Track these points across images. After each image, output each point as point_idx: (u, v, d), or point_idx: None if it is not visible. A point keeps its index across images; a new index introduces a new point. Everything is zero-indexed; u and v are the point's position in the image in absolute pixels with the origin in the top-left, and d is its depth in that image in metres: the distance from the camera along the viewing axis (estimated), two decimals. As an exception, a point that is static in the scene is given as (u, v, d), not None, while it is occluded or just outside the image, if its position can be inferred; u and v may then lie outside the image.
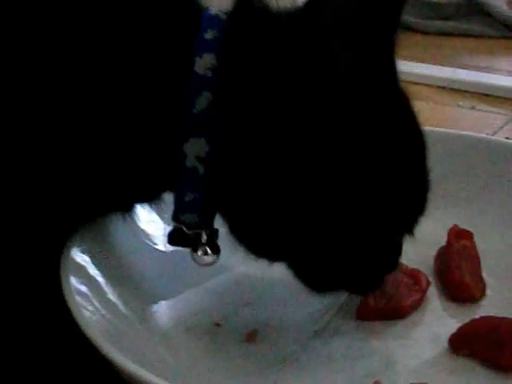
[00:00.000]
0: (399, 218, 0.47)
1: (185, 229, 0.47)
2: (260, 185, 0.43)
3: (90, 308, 0.44)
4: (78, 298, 0.44)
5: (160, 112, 0.44)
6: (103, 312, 0.44)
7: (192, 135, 0.44)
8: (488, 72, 1.34)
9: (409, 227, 0.48)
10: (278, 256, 0.47)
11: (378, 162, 0.44)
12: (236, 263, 0.56)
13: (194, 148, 0.44)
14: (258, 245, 0.47)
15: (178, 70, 0.44)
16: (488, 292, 0.54)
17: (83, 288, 0.46)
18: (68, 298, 0.44)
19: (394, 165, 0.45)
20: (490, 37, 1.60)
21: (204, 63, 0.43)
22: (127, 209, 0.50)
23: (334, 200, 0.43)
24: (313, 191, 0.43)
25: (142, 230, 0.55)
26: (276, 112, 0.42)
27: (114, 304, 0.47)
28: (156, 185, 0.47)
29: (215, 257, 0.49)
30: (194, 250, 0.48)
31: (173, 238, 0.48)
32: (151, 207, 0.50)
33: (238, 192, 0.44)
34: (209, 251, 0.48)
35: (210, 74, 0.43)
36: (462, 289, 0.53)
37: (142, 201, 0.50)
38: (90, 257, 0.48)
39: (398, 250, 0.49)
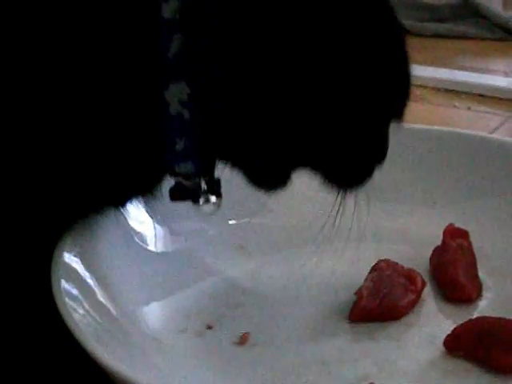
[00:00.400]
0: (382, 103, 0.46)
1: (183, 180, 0.46)
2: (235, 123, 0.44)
3: (81, 311, 0.43)
4: (69, 301, 0.43)
5: (137, 64, 0.43)
6: (94, 315, 0.44)
7: (171, 80, 0.43)
8: (484, 73, 1.34)
9: (395, 113, 0.48)
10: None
11: (355, 50, 0.44)
12: (229, 265, 0.56)
13: (176, 93, 0.43)
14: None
15: (148, 17, 0.43)
16: (484, 292, 0.53)
17: (74, 291, 0.45)
18: (58, 301, 0.43)
19: (370, 52, 0.44)
20: (485, 39, 1.60)
21: (170, 7, 0.43)
22: (121, 201, 0.49)
23: (314, 89, 0.43)
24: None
25: (133, 231, 0.54)
26: (229, 61, 0.43)
27: (104, 306, 0.46)
28: (149, 158, 0.46)
29: (218, 203, 0.48)
30: (196, 202, 0.48)
31: (174, 195, 0.48)
32: (143, 206, 0.50)
33: (220, 128, 0.44)
34: (211, 199, 0.47)
35: (177, 16, 0.43)
36: (457, 289, 0.53)
37: (136, 190, 0.49)
38: (81, 259, 0.47)
39: (386, 139, 0.49)
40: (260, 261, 0.57)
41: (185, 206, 0.49)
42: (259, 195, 0.51)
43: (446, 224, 0.57)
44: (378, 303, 0.51)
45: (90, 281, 0.46)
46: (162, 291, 0.52)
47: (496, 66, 1.47)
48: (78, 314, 0.42)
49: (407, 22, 1.67)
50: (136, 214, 0.53)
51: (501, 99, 1.18)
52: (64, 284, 0.45)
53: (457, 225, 0.57)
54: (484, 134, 0.74)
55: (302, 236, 0.58)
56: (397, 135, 0.63)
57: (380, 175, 0.62)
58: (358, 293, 0.51)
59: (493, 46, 1.55)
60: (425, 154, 0.63)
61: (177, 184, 0.47)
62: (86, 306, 0.44)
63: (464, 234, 0.56)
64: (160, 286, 0.52)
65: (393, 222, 0.60)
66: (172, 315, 0.51)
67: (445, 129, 0.67)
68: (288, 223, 0.60)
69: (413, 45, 1.56)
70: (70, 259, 0.47)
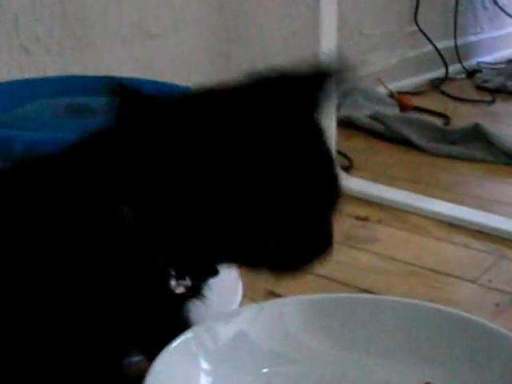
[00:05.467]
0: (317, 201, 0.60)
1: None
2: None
3: None
4: None
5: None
6: None
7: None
8: (487, 204, 1.41)
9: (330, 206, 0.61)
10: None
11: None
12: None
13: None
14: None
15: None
16: None
17: None
18: None
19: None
20: (490, 162, 1.70)
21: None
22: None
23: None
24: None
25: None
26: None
27: None
28: None
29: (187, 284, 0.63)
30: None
31: None
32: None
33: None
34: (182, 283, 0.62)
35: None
36: None
37: None
38: None
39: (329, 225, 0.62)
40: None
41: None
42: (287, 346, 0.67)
43: (423, 381, 0.67)
44: None
45: None
46: None
47: (505, 192, 1.55)
48: None
49: (422, 142, 1.80)
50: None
51: (498, 237, 1.25)
52: None
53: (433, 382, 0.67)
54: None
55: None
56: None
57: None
58: None
59: (498, 170, 1.68)
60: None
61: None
62: None
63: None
64: None
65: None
66: None
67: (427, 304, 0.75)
68: (314, 371, 0.71)
69: (426, 163, 1.62)
70: None
